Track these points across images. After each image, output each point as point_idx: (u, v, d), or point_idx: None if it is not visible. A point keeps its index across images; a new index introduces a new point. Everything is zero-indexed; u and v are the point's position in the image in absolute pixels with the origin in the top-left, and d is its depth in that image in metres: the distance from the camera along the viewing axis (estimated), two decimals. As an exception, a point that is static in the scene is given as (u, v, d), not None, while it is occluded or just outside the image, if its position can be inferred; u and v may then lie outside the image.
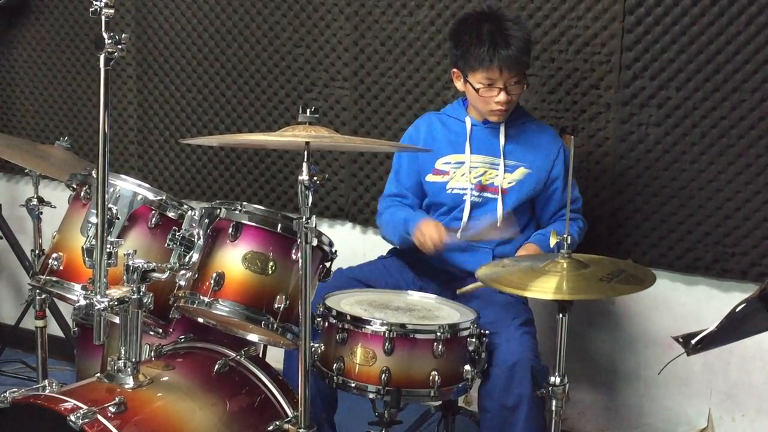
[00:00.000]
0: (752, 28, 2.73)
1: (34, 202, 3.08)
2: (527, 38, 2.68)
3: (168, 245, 2.28)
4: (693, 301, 2.97)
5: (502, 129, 2.76)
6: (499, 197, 2.74)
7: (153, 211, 2.32)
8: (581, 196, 2.87)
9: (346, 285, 2.65)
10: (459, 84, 2.76)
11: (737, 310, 1.86)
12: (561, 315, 2.18)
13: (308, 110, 2.11)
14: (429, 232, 2.64)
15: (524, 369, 2.42)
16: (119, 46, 1.95)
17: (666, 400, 3.07)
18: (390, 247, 2.95)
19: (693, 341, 1.89)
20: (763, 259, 2.81)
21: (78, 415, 1.88)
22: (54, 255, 2.33)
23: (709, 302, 2.94)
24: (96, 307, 2.01)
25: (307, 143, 2.05)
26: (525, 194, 2.76)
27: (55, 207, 3.08)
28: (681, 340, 1.92)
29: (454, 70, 2.76)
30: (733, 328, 1.98)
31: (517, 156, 2.76)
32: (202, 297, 2.22)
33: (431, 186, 2.82)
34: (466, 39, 2.68)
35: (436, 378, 2.31)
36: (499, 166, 2.75)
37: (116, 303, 2.04)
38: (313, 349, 2.35)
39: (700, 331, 1.89)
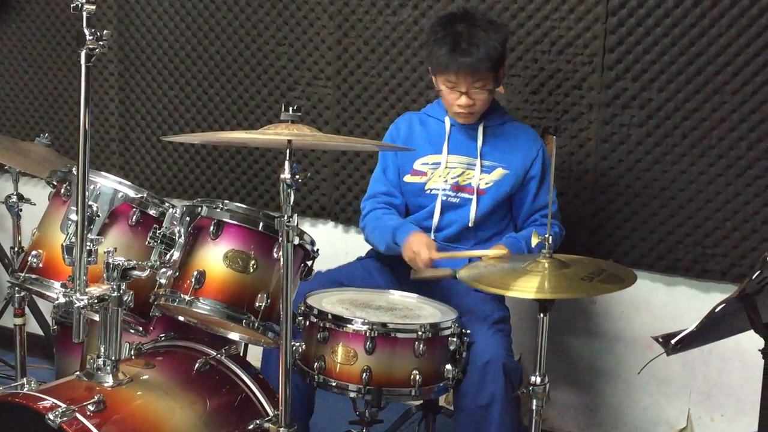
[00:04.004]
0: (733, 31, 2.74)
1: (14, 199, 3.06)
2: (494, 45, 2.61)
3: (149, 243, 2.26)
4: (673, 302, 2.99)
5: (480, 129, 2.76)
6: (474, 198, 2.74)
7: (134, 209, 2.31)
8: (557, 201, 2.84)
9: (326, 287, 2.64)
10: (434, 81, 2.77)
11: (717, 310, 1.87)
12: (542, 314, 2.18)
13: (291, 108, 2.11)
14: (419, 250, 2.57)
15: (497, 367, 2.41)
16: (100, 43, 1.94)
17: (645, 400, 3.09)
18: (366, 250, 2.95)
19: (673, 341, 1.91)
20: (743, 260, 2.83)
21: (56, 413, 1.87)
22: (33, 252, 2.32)
23: (689, 302, 2.96)
24: (75, 305, 1.99)
25: (290, 141, 2.04)
26: (502, 195, 2.75)
27: (35, 204, 3.06)
28: (661, 340, 1.93)
29: (429, 67, 2.77)
30: (712, 329, 2.00)
31: (494, 157, 2.76)
32: (182, 295, 2.21)
33: (409, 186, 2.81)
34: (433, 40, 2.67)
35: (417, 377, 2.31)
36: (476, 166, 2.75)
37: (96, 301, 2.02)
38: (294, 348, 2.34)
39: (680, 331, 1.90)
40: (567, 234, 2.89)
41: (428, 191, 2.78)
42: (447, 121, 2.79)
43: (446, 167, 2.76)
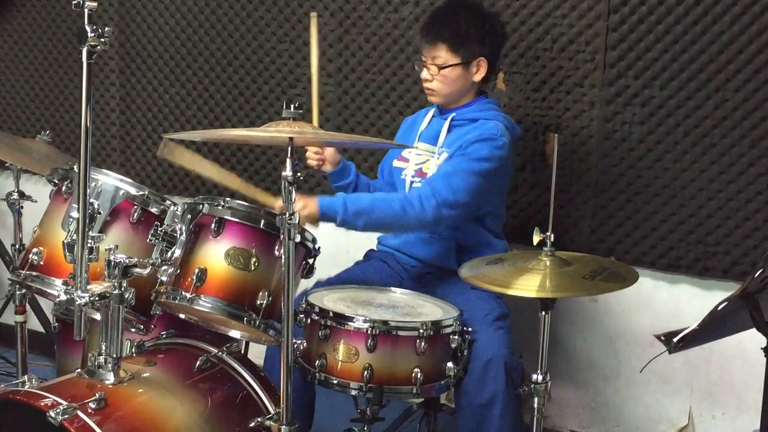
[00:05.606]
0: (736, 28, 2.74)
1: (15, 196, 3.06)
2: (463, 32, 2.67)
3: (150, 240, 2.26)
4: (675, 300, 2.98)
5: (448, 120, 2.78)
6: None
7: (135, 206, 2.31)
8: (454, 171, 2.62)
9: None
10: None
11: (719, 308, 1.87)
12: (544, 313, 2.18)
13: (292, 106, 2.10)
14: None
15: (498, 365, 2.42)
16: (102, 40, 1.94)
17: (647, 398, 3.08)
18: (369, 248, 2.96)
19: (675, 339, 1.90)
20: (745, 257, 2.83)
21: (58, 411, 1.87)
22: (34, 250, 2.32)
23: (691, 301, 2.95)
24: (77, 303, 1.99)
25: (291, 139, 2.04)
26: None
27: (36, 201, 3.05)
28: (663, 338, 1.92)
29: None
30: (714, 327, 1.99)
31: (448, 143, 2.76)
32: (184, 293, 2.21)
33: (394, 171, 2.89)
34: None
35: (419, 375, 2.31)
36: (435, 154, 2.78)
37: (97, 298, 2.02)
38: (296, 345, 2.34)
39: (682, 330, 1.90)
40: (568, 231, 2.88)
41: (403, 176, 2.84)
42: (431, 112, 2.87)
43: (417, 154, 2.83)
